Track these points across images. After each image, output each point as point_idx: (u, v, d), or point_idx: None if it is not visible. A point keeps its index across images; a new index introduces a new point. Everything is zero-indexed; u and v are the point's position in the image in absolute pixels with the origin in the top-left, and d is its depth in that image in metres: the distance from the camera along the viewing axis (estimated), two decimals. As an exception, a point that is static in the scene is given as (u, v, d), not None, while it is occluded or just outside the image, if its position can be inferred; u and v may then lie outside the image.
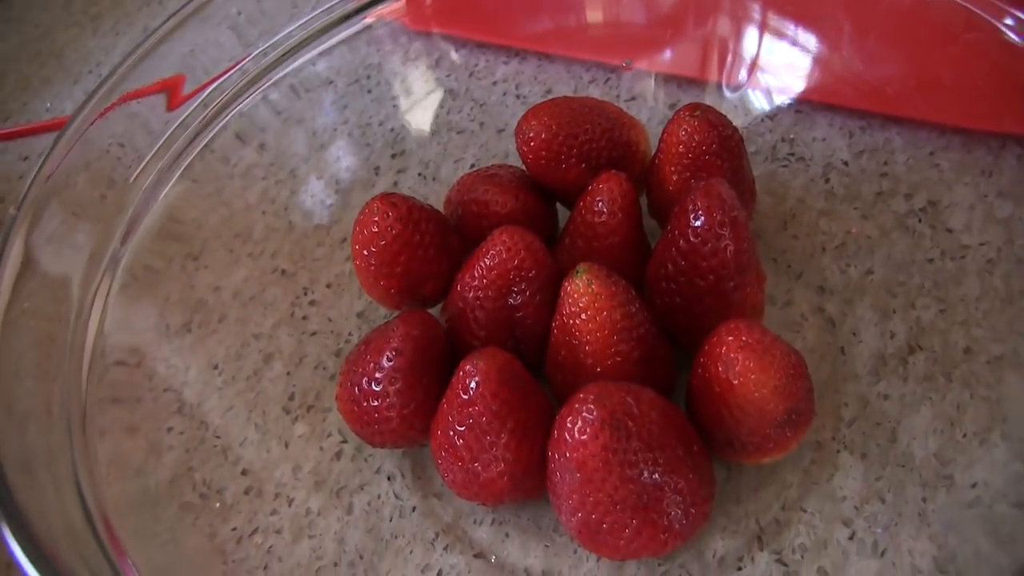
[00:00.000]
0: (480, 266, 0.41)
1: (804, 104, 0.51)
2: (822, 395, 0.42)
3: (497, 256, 0.40)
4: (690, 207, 0.39)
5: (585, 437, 0.34)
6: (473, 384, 0.37)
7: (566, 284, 0.38)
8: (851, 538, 0.39)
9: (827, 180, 0.48)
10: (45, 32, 0.73)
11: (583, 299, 0.37)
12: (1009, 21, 0.41)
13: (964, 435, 0.40)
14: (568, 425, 0.34)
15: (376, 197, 0.42)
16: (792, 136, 0.50)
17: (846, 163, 0.49)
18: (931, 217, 0.46)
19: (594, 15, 0.56)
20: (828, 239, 0.46)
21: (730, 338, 0.35)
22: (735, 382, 0.35)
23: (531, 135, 0.43)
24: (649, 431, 0.34)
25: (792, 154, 0.50)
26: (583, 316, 0.37)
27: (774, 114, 0.51)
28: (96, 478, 0.40)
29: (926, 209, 0.46)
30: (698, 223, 0.38)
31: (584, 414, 0.34)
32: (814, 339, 0.44)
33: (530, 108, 0.44)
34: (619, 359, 0.38)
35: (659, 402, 0.36)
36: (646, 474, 0.34)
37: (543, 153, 0.43)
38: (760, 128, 0.51)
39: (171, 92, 0.53)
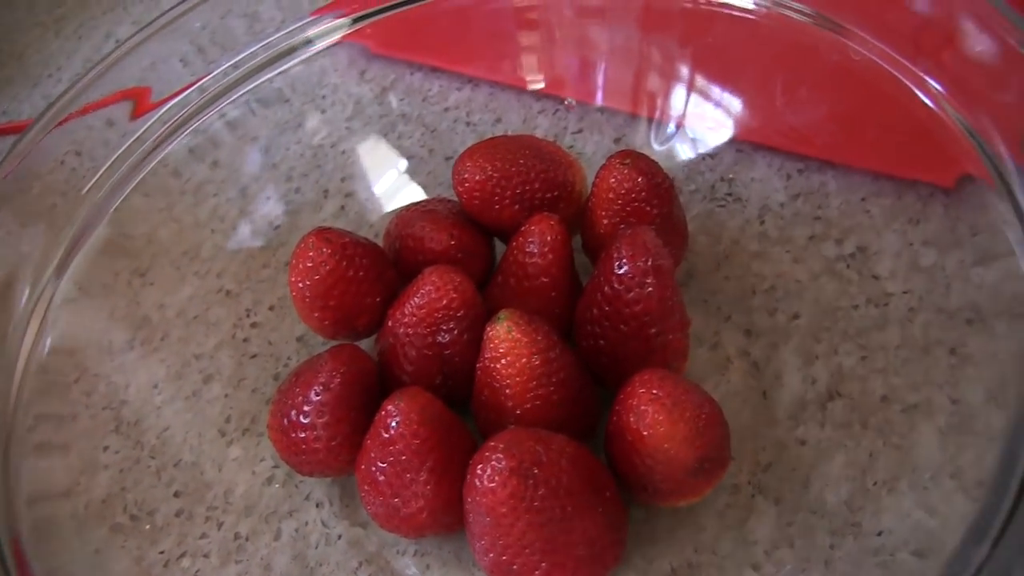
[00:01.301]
0: (410, 304, 0.41)
1: (744, 144, 0.51)
2: (742, 439, 0.43)
3: (427, 295, 0.41)
4: (615, 254, 0.39)
5: (494, 485, 0.34)
6: (394, 424, 0.38)
7: (488, 329, 0.38)
8: (759, 582, 0.40)
9: (762, 222, 0.49)
10: (6, 32, 0.74)
11: (503, 345, 0.38)
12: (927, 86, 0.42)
13: (874, 483, 0.41)
14: (479, 472, 0.35)
15: (312, 232, 0.42)
16: (731, 176, 0.51)
17: (782, 205, 0.49)
18: (859, 263, 0.47)
19: (541, 53, 0.57)
20: (759, 281, 0.47)
21: (642, 390, 0.36)
22: (645, 433, 0.36)
23: (466, 176, 0.43)
24: (558, 478, 0.35)
25: (730, 194, 0.50)
26: (503, 361, 0.38)
27: (715, 153, 0.52)
28: (13, 499, 0.40)
29: (855, 255, 0.47)
30: (622, 271, 0.39)
31: (493, 462, 0.34)
32: (738, 382, 0.45)
33: (467, 148, 0.44)
34: (538, 402, 0.39)
35: (570, 448, 0.37)
36: (555, 520, 0.35)
37: (477, 194, 0.44)
38: (700, 167, 0.52)
39: (136, 103, 0.53)
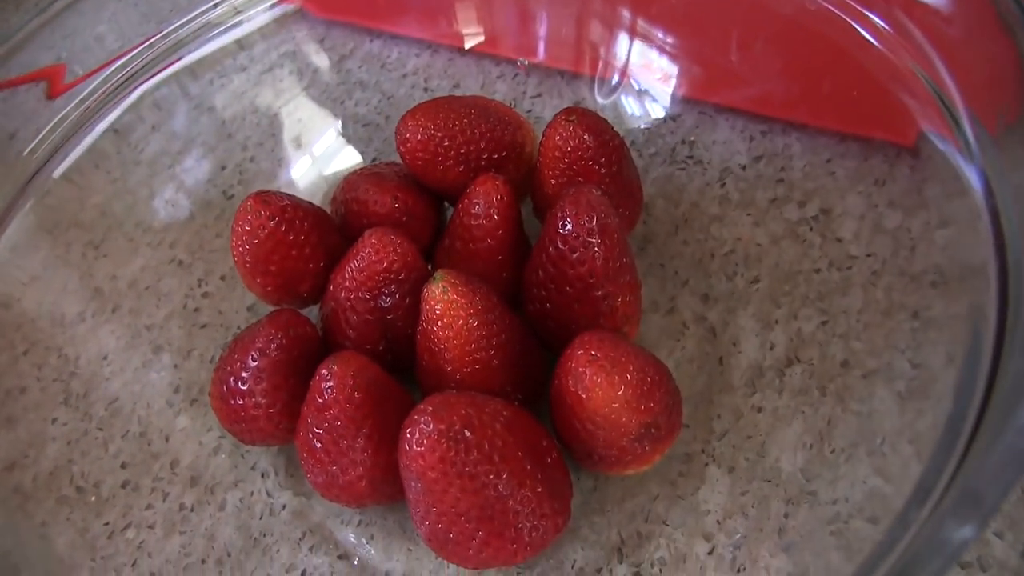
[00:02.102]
0: (351, 267, 0.40)
1: (707, 106, 0.50)
2: (696, 406, 0.42)
3: (367, 258, 0.40)
4: (559, 214, 0.38)
5: (422, 449, 0.33)
6: (328, 388, 0.37)
7: (424, 291, 0.37)
8: (710, 553, 0.38)
9: (723, 185, 0.48)
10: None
11: (438, 307, 0.37)
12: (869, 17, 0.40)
13: (832, 451, 0.39)
14: (407, 435, 0.34)
15: (251, 195, 0.41)
16: (692, 139, 0.49)
17: (744, 168, 0.48)
18: (822, 226, 0.45)
19: (492, 13, 0.55)
20: (718, 246, 0.46)
21: (580, 352, 0.35)
22: (583, 396, 0.35)
23: (407, 135, 0.42)
24: (492, 443, 0.34)
25: (691, 157, 0.49)
26: (439, 323, 0.37)
27: (676, 115, 0.50)
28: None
29: (818, 217, 0.45)
30: (566, 230, 0.38)
31: (421, 425, 0.33)
32: (693, 348, 0.43)
33: (411, 108, 0.43)
34: (478, 367, 0.38)
35: (507, 412, 0.35)
36: (489, 487, 0.34)
37: (419, 154, 0.42)
38: (661, 129, 0.50)
39: (51, 83, 0.52)
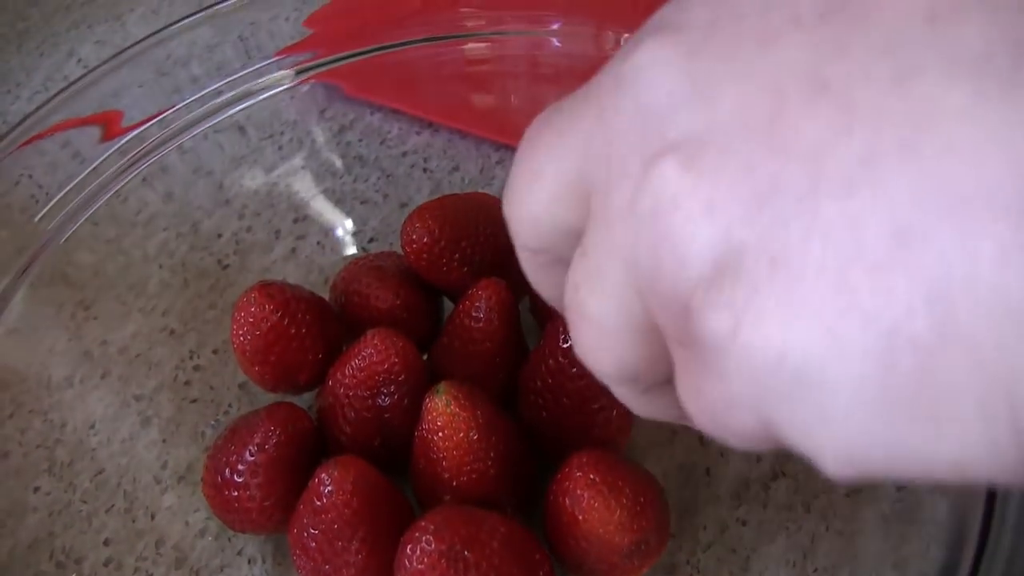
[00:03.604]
0: (351, 366, 0.41)
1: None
2: (683, 515, 0.42)
3: (368, 358, 0.40)
4: (561, 328, 0.39)
5: (423, 567, 0.34)
6: (327, 491, 0.37)
7: (427, 401, 0.38)
8: (693, 666, 0.39)
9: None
10: (-34, 43, 0.72)
11: (440, 419, 0.37)
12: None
13: (815, 569, 0.40)
14: (408, 552, 0.34)
15: (255, 286, 0.42)
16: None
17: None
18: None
19: (498, 99, 0.56)
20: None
21: (578, 473, 0.36)
22: (580, 517, 0.36)
23: (414, 237, 0.43)
24: (489, 561, 0.35)
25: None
26: (440, 435, 0.37)
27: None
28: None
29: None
30: (567, 345, 0.39)
31: (423, 544, 0.34)
32: (682, 457, 0.44)
33: (417, 208, 0.44)
34: (475, 476, 0.38)
35: (503, 528, 0.36)
36: (484, 602, 0.34)
37: (424, 256, 0.43)
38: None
39: (107, 125, 0.52)
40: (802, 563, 0.40)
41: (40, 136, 0.50)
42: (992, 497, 0.35)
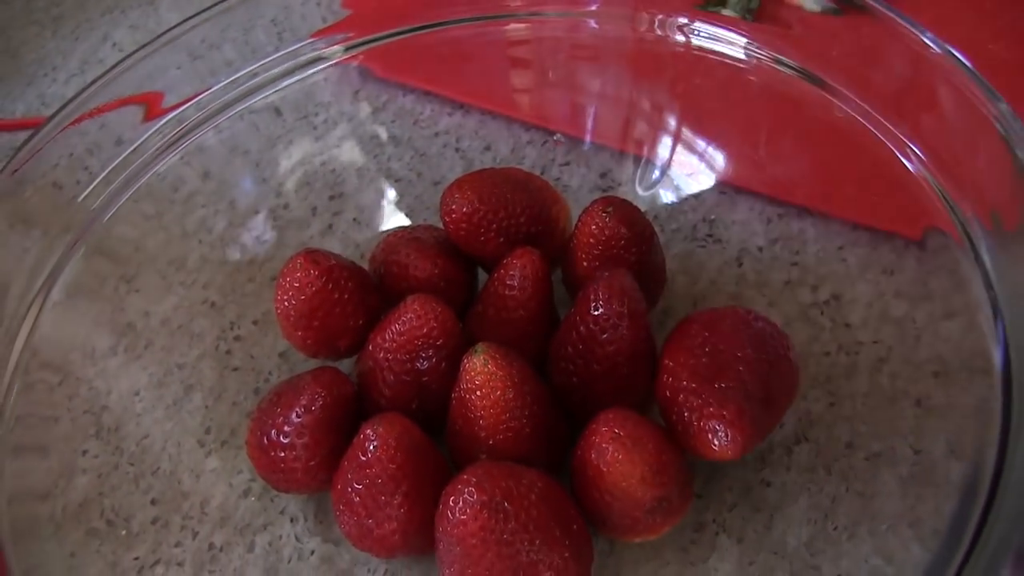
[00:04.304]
0: (391, 330, 0.42)
1: (728, 187, 0.53)
2: (709, 478, 0.44)
3: (408, 323, 0.42)
4: (592, 296, 0.41)
5: (465, 517, 0.35)
6: (372, 447, 0.39)
7: (465, 361, 0.39)
8: (719, 619, 0.41)
9: (740, 264, 0.50)
10: (2, 29, 0.74)
11: (478, 377, 0.39)
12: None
13: (835, 527, 0.42)
14: (451, 503, 0.36)
15: (301, 253, 0.43)
16: (713, 217, 0.52)
17: (761, 249, 0.51)
18: (833, 310, 0.48)
19: (534, 80, 0.58)
20: (734, 323, 0.48)
21: (604, 428, 0.38)
22: (604, 469, 0.38)
23: (453, 207, 0.44)
24: (527, 512, 0.36)
25: (710, 235, 0.52)
26: (478, 393, 0.39)
27: (699, 193, 0.53)
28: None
29: (829, 302, 0.48)
30: (598, 312, 0.40)
31: (465, 495, 0.35)
32: (708, 421, 0.46)
33: (456, 179, 0.45)
34: (510, 434, 0.40)
35: (540, 483, 0.38)
36: (522, 552, 0.36)
37: (464, 225, 0.45)
38: (683, 206, 0.53)
39: (148, 107, 0.54)
40: (823, 522, 0.42)
41: (83, 118, 0.51)
42: (1001, 459, 0.37)
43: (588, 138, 0.56)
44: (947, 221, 0.43)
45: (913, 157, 0.44)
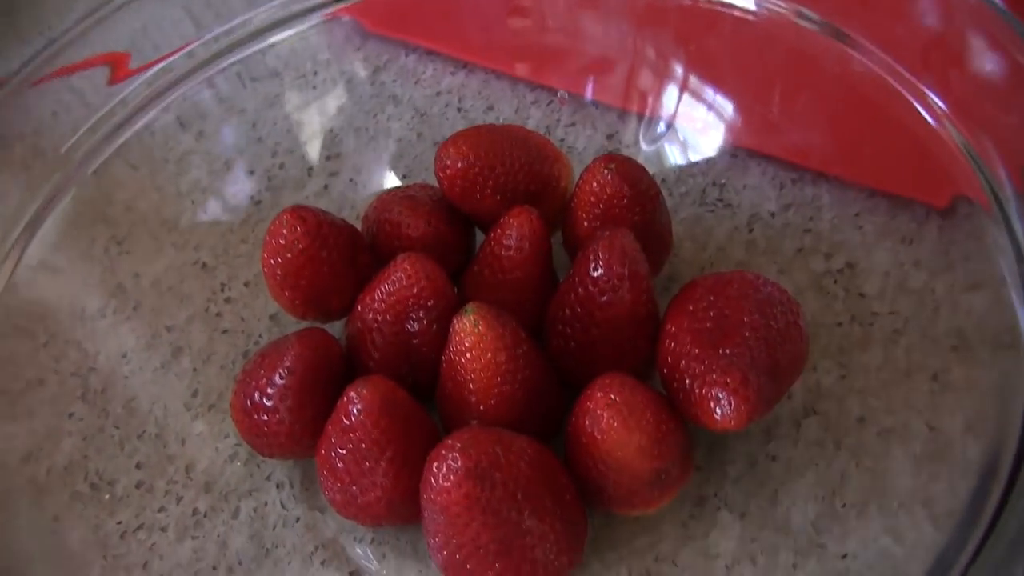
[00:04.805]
0: (380, 290, 0.41)
1: (739, 150, 0.50)
2: (711, 450, 0.42)
3: (398, 282, 0.40)
4: (591, 256, 0.39)
5: (448, 484, 0.34)
6: (355, 411, 0.37)
7: (455, 322, 0.38)
8: (718, 598, 0.39)
9: (751, 230, 0.48)
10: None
11: (468, 339, 0.37)
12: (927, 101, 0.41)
13: (843, 505, 0.40)
14: (434, 470, 0.34)
15: (287, 209, 0.42)
16: (723, 181, 0.50)
17: (772, 215, 0.48)
18: (847, 279, 0.46)
19: (536, 34, 0.56)
20: (742, 291, 0.46)
21: (599, 394, 0.36)
22: (599, 437, 0.36)
23: (448, 163, 0.42)
24: (516, 481, 0.34)
25: (720, 200, 0.49)
26: (468, 355, 0.37)
27: (708, 157, 0.51)
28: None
29: (843, 271, 0.46)
30: (597, 274, 0.38)
31: (449, 461, 0.34)
32: (712, 392, 0.44)
33: (452, 135, 0.43)
34: (502, 399, 0.38)
35: (531, 450, 0.36)
36: (510, 523, 0.34)
37: (458, 182, 0.43)
38: (692, 169, 0.51)
39: (115, 67, 0.52)
40: (831, 499, 0.40)
41: (70, 69, 0.50)
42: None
43: (590, 95, 0.54)
44: (976, 186, 0.41)
45: (941, 116, 0.42)
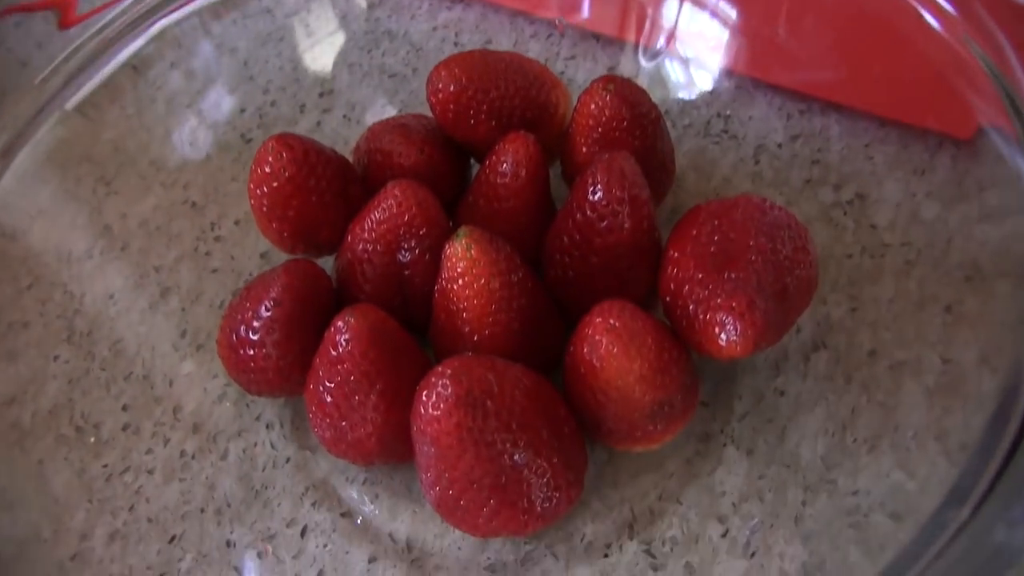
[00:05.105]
0: (370, 219, 0.39)
1: (745, 80, 0.48)
2: (717, 385, 0.41)
3: (388, 210, 0.38)
4: (590, 180, 0.37)
5: (439, 413, 0.32)
6: (343, 340, 0.36)
7: (446, 247, 0.36)
8: (724, 535, 0.37)
9: (757, 162, 0.46)
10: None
11: (461, 264, 0.35)
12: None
13: (854, 440, 0.38)
14: (423, 398, 0.33)
15: (272, 137, 0.40)
16: (728, 112, 0.48)
17: (779, 146, 0.47)
18: (856, 211, 0.44)
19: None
20: (748, 223, 0.44)
21: (598, 319, 0.34)
22: (597, 365, 0.34)
23: (440, 86, 0.41)
24: (510, 411, 0.33)
25: (725, 131, 0.48)
26: (460, 282, 0.36)
27: (713, 87, 0.49)
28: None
29: (853, 202, 0.44)
30: (596, 197, 0.37)
31: (439, 389, 0.32)
32: (717, 326, 0.42)
33: (445, 58, 0.41)
34: (497, 329, 0.36)
35: (527, 380, 0.34)
36: (505, 455, 0.33)
37: (451, 106, 0.41)
38: (697, 101, 0.49)
39: (65, 8, 0.50)
40: (841, 434, 0.38)
41: (41, 5, 0.48)
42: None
43: (585, 13, 0.51)
44: (1000, 111, 0.39)
45: (963, 34, 0.40)
